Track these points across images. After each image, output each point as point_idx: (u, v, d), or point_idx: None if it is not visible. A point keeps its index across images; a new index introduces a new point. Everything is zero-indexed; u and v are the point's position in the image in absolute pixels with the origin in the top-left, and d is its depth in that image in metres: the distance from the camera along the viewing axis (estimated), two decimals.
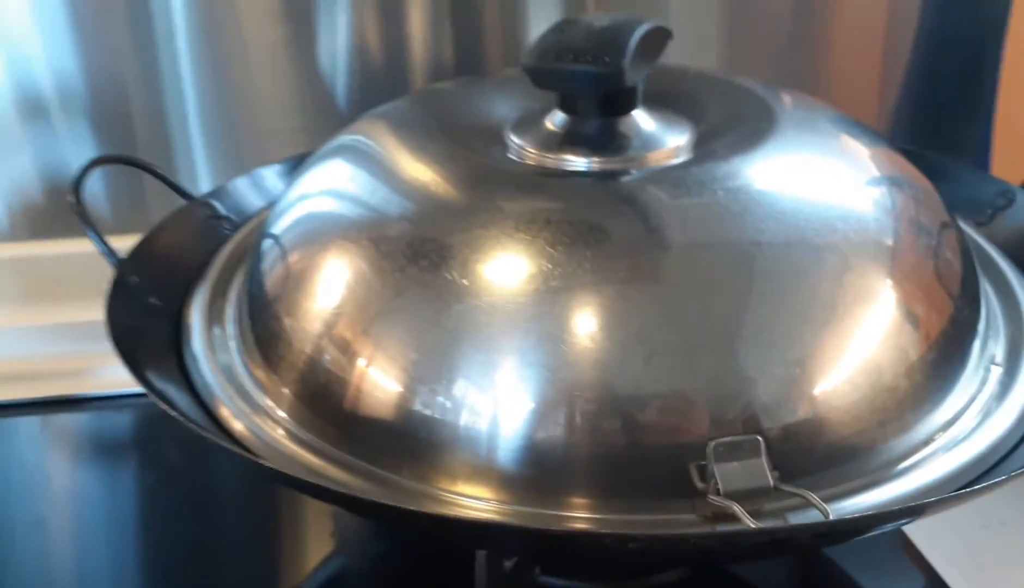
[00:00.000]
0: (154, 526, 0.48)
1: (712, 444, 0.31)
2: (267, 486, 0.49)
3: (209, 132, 0.63)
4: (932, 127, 0.71)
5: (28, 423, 0.55)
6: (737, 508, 0.29)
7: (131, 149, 0.61)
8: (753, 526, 0.28)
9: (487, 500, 0.33)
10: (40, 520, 0.48)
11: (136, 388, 0.36)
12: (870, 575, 0.43)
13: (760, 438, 0.31)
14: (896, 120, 0.71)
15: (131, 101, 0.61)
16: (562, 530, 0.31)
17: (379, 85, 0.63)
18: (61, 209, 0.50)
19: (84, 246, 0.45)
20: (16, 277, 0.60)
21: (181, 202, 0.49)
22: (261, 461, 0.34)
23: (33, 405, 0.55)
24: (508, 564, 0.40)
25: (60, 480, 0.53)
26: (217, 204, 0.50)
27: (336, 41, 0.62)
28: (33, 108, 0.59)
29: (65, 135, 0.60)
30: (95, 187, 0.61)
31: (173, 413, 0.34)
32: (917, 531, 0.46)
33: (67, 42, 0.58)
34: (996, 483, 0.30)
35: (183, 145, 0.62)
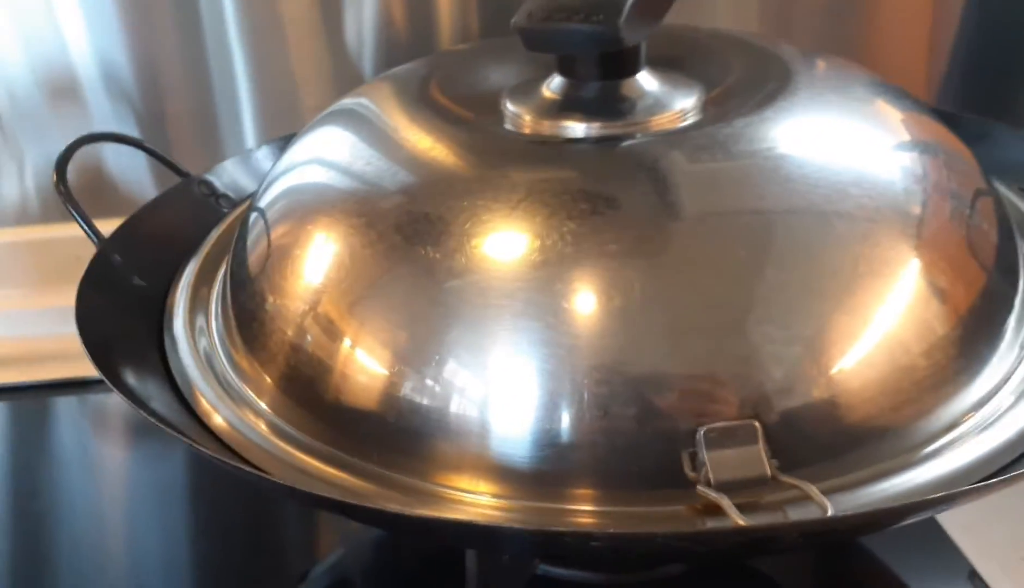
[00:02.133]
0: (154, 513, 0.48)
1: (702, 430, 0.28)
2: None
3: (255, 114, 0.62)
4: (982, 93, 0.68)
5: (64, 403, 0.55)
6: (725, 502, 0.27)
7: (164, 133, 0.60)
8: (735, 523, 0.26)
9: (480, 494, 0.31)
10: (67, 501, 0.48)
11: None
12: (900, 562, 0.41)
13: (756, 423, 0.28)
14: (945, 86, 0.68)
15: (170, 84, 0.60)
16: (530, 529, 0.29)
17: (406, 58, 0.62)
18: (91, 191, 0.49)
19: (107, 227, 0.43)
20: (44, 257, 0.60)
21: None
22: (241, 468, 0.32)
23: (66, 385, 0.55)
24: (506, 556, 0.38)
25: (91, 460, 0.53)
26: (215, 181, 0.48)
27: (362, 14, 0.61)
28: (65, 90, 0.58)
29: (98, 117, 0.59)
30: (124, 167, 0.60)
31: (148, 415, 0.33)
32: (951, 520, 0.43)
33: (104, 22, 0.57)
34: (1011, 478, 0.27)
35: (231, 130, 0.61)
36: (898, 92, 0.39)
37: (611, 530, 0.27)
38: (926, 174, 0.35)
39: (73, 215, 0.41)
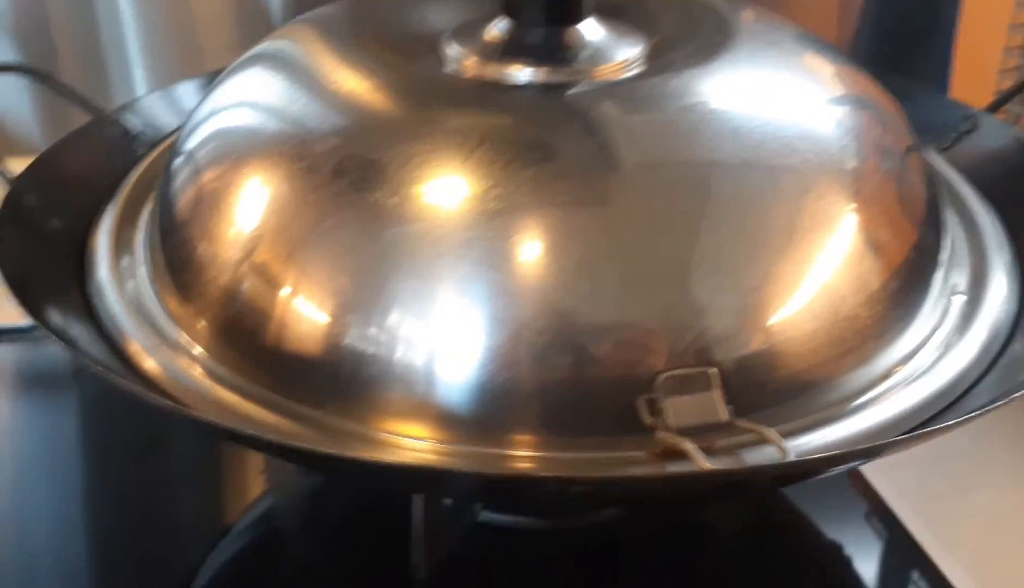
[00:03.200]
0: (78, 465, 0.46)
1: (662, 376, 0.29)
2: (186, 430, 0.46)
3: (146, 51, 0.60)
4: (891, 51, 0.70)
5: None
6: (689, 445, 0.27)
7: (56, 67, 0.57)
8: (707, 467, 0.26)
9: (424, 439, 0.31)
10: None
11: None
12: (816, 505, 0.43)
13: (713, 370, 0.29)
14: (855, 44, 0.70)
15: (57, 16, 0.57)
16: (501, 473, 0.29)
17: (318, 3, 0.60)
18: None
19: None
20: None
21: None
22: (175, 407, 0.31)
23: None
24: (447, 502, 0.38)
25: None
26: (130, 120, 0.46)
27: None
28: None
29: None
30: (19, 105, 0.56)
31: (76, 354, 0.31)
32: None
33: None
34: (951, 425, 0.28)
35: (118, 64, 0.59)
36: (828, 46, 0.40)
37: (594, 475, 0.27)
38: (863, 130, 0.36)
39: None
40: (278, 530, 0.44)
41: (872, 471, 0.44)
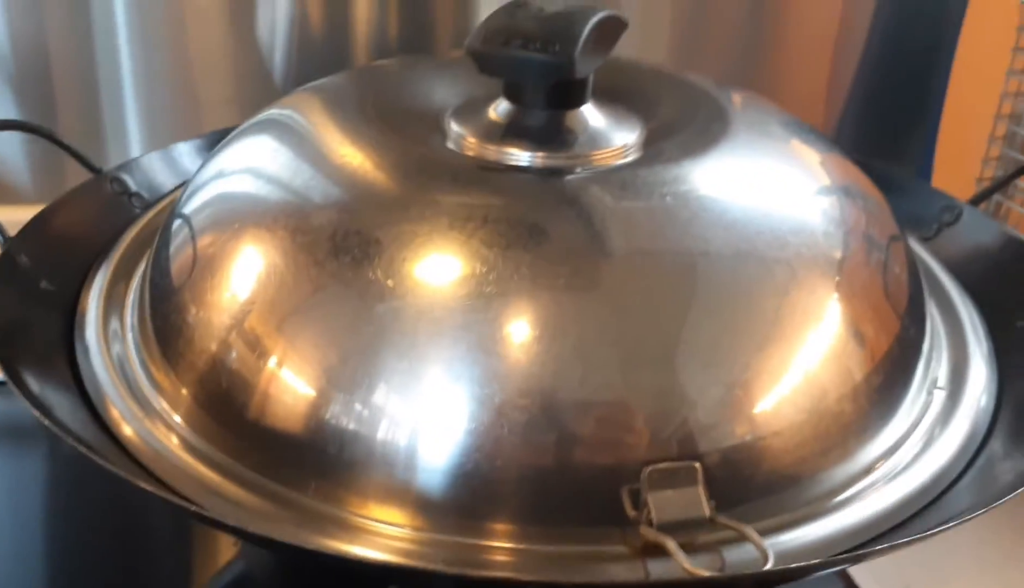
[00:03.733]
0: (48, 525, 0.45)
1: (647, 470, 0.29)
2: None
3: (143, 103, 0.59)
4: (877, 135, 0.71)
5: None
6: (671, 543, 0.27)
7: (55, 118, 0.57)
8: (688, 569, 0.26)
9: (402, 526, 0.31)
10: None
11: None
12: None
13: (697, 465, 0.29)
14: (841, 126, 0.71)
15: (57, 67, 0.57)
16: (475, 575, 0.28)
17: (319, 60, 0.61)
18: None
19: None
20: None
21: None
22: (134, 481, 0.30)
23: None
24: None
25: None
26: (128, 179, 0.46)
27: (276, 11, 0.60)
28: None
29: None
30: (13, 156, 0.56)
31: (49, 424, 0.31)
32: None
33: None
34: (932, 533, 0.28)
35: (113, 116, 0.59)
36: (815, 134, 0.41)
37: (572, 581, 0.27)
38: (851, 220, 0.37)
39: None
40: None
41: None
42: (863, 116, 0.71)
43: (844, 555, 0.30)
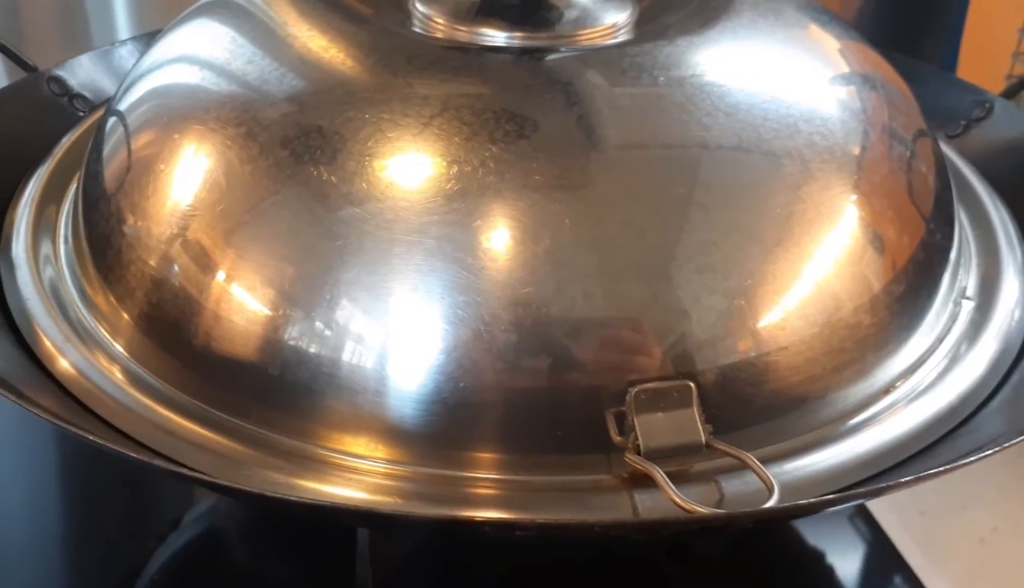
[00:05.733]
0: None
1: (633, 390, 0.26)
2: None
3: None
4: (897, 31, 0.67)
5: None
6: (659, 474, 0.24)
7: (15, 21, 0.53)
8: (677, 501, 0.24)
9: (373, 459, 0.28)
10: None
11: None
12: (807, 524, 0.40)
13: (691, 384, 0.26)
14: (858, 23, 0.67)
15: None
16: (449, 517, 0.26)
17: None
18: None
19: None
20: None
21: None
22: (85, 435, 0.27)
23: None
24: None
25: None
26: (68, 79, 0.43)
27: None
28: None
29: None
30: None
31: None
32: None
33: None
34: (971, 461, 0.25)
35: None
36: (833, 16, 0.38)
37: (541, 520, 0.25)
38: (872, 112, 0.33)
39: None
40: (221, 543, 0.41)
41: None
42: (881, 11, 0.67)
43: (861, 488, 0.27)
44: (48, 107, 0.42)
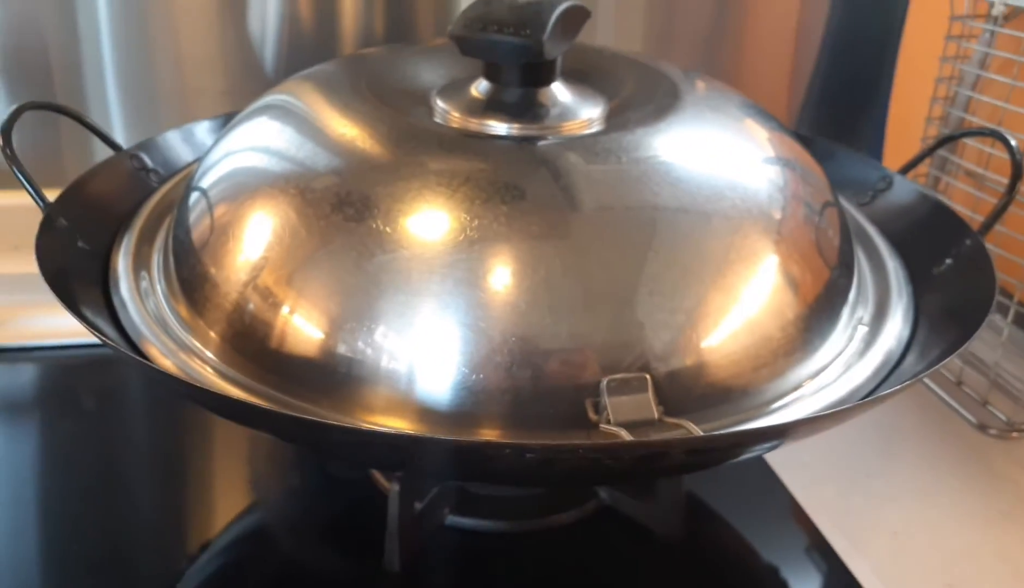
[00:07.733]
0: (65, 478, 0.48)
1: (605, 380, 0.34)
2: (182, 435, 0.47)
3: (126, 89, 0.62)
4: (834, 119, 0.77)
5: None
6: (624, 432, 0.32)
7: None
8: (635, 442, 0.32)
9: (408, 431, 0.35)
10: None
11: (51, 340, 0.36)
12: (750, 525, 0.47)
13: (647, 376, 0.34)
14: (803, 112, 0.77)
15: (48, 52, 0.60)
16: (467, 441, 0.33)
17: (308, 52, 0.64)
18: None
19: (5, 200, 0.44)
20: None
21: (96, 158, 0.49)
22: (193, 382, 0.35)
23: None
24: (419, 505, 0.43)
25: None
26: (145, 156, 0.50)
27: (266, 5, 0.63)
28: None
29: None
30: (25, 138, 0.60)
31: (107, 342, 0.35)
32: (776, 461, 0.50)
33: None
34: (843, 412, 0.34)
35: (98, 99, 0.62)
36: (764, 114, 0.46)
37: (543, 443, 0.32)
38: (786, 185, 0.42)
39: (21, 180, 0.42)
40: (260, 531, 0.46)
41: (798, 489, 0.49)
42: (823, 100, 0.76)
43: (766, 431, 0.34)
44: (130, 177, 0.49)
